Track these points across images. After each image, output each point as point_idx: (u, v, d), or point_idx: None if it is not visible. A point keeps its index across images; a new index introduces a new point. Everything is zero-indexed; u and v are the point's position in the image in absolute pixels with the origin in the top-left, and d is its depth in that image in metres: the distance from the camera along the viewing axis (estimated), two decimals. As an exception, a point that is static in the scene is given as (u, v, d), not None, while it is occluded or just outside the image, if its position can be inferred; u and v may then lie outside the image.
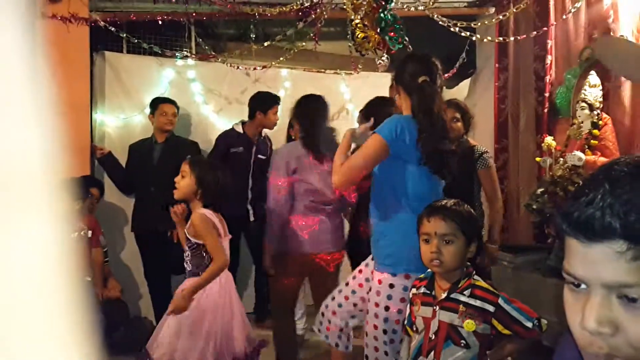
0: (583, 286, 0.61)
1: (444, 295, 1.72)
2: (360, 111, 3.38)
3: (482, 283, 1.72)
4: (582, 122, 3.10)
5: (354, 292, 2.41)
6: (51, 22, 3.39)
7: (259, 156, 3.79)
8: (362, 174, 2.12)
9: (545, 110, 3.65)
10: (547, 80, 3.64)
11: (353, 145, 2.33)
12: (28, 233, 0.37)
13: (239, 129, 3.79)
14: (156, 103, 3.68)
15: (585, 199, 0.59)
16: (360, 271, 2.42)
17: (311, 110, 2.84)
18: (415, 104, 2.07)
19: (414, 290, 1.85)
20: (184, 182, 2.40)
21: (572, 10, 3.35)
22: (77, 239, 3.05)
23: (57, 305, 0.40)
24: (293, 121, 3.13)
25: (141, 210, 3.65)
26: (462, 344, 1.66)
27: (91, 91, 3.85)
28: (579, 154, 2.93)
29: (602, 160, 2.88)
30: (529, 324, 1.65)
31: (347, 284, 2.46)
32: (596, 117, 3.06)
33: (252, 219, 3.78)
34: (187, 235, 2.39)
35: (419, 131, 2.03)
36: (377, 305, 2.07)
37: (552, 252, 3.00)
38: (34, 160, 0.38)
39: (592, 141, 3.02)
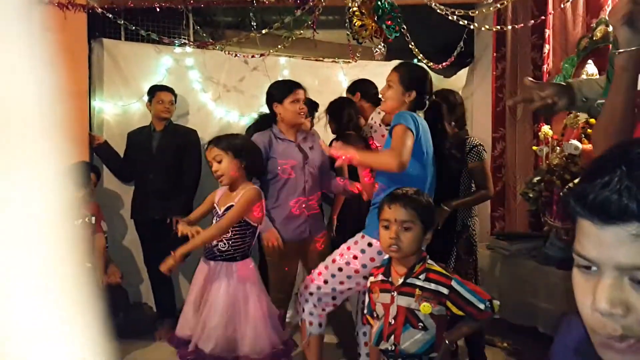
0: (594, 268, 0.61)
1: (400, 281, 1.79)
2: (325, 110, 3.41)
3: (435, 267, 1.81)
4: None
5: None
6: (48, 8, 3.36)
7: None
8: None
9: (543, 99, 3.65)
10: (545, 70, 3.65)
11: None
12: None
13: None
14: (153, 91, 3.68)
15: (601, 180, 0.58)
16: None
17: None
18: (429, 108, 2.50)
19: (371, 279, 1.92)
20: (223, 164, 2.33)
21: (571, -1, 3.35)
22: (81, 226, 3.06)
23: (59, 291, 0.41)
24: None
25: (140, 198, 3.66)
26: (420, 327, 1.73)
27: (89, 78, 3.84)
28: (575, 142, 2.95)
29: (598, 149, 2.89)
30: (482, 306, 1.72)
31: None
32: (593, 106, 3.07)
33: None
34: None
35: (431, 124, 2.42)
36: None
37: (547, 240, 3.03)
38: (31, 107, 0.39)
39: (588, 130, 3.03)
